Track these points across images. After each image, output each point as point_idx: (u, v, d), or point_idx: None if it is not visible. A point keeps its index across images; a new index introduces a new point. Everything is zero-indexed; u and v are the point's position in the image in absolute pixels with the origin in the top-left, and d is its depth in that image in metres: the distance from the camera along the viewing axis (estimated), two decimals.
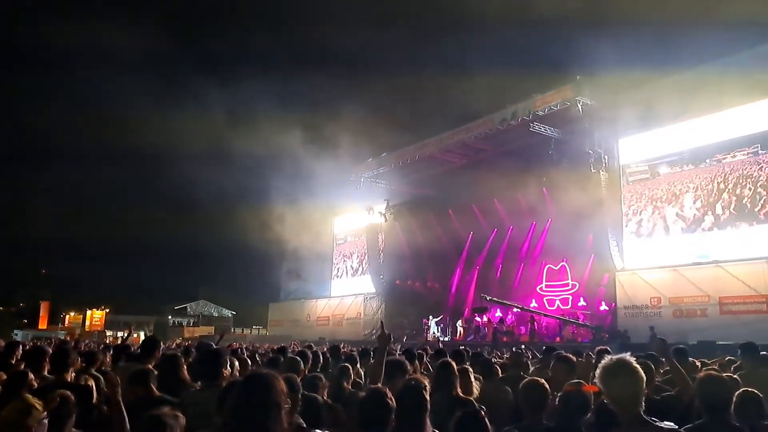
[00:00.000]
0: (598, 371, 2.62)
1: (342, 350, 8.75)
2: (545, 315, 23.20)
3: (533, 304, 25.51)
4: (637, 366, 2.56)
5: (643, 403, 2.53)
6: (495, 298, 23.08)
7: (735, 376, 4.38)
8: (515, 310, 24.34)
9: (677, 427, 2.65)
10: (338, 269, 35.90)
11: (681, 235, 19.58)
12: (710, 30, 19.44)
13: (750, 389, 3.49)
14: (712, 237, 18.70)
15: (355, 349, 12.01)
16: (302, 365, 5.07)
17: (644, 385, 2.55)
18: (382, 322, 4.72)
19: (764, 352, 5.93)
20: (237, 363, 5.36)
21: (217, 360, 4.06)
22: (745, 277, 17.53)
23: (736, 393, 3.44)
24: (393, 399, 2.80)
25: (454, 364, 4.48)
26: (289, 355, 6.07)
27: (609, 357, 2.65)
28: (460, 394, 4.23)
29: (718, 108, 18.60)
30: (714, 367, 5.90)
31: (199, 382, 4.20)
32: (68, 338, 34.72)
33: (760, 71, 17.54)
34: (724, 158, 18.80)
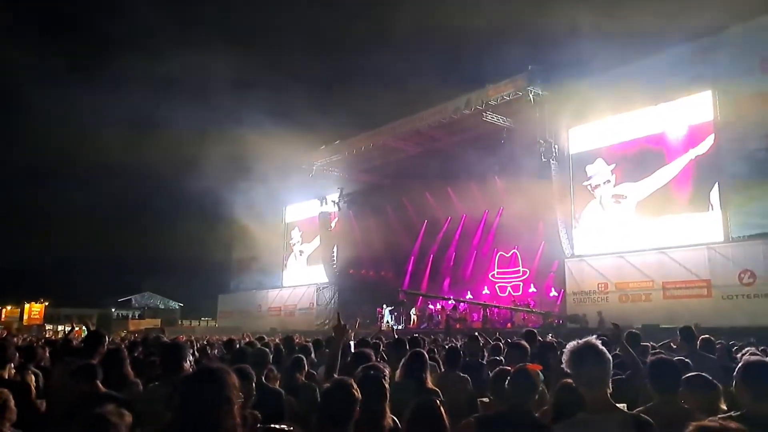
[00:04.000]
0: (565, 355, 2.65)
1: (296, 341, 8.54)
2: (464, 301, 23.97)
3: (485, 291, 25.97)
4: (604, 348, 2.60)
5: (610, 385, 2.57)
6: (413, 291, 23.43)
7: (686, 360, 4.48)
8: (450, 302, 24.79)
9: (625, 409, 2.74)
10: (290, 259, 35.41)
11: (627, 222, 20.14)
12: (653, 23, 19.93)
13: (700, 373, 3.62)
14: (656, 224, 19.31)
15: (309, 339, 11.80)
16: (270, 357, 4.92)
17: (611, 366, 2.59)
18: (338, 313, 4.63)
19: (706, 335, 6.13)
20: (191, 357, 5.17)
21: (177, 353, 3.88)
22: (687, 262, 18.23)
23: (686, 376, 3.55)
24: (358, 390, 2.76)
25: (426, 354, 4.49)
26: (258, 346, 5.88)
27: (576, 341, 2.69)
28: (429, 384, 4.24)
29: (663, 99, 19.21)
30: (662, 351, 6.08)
31: (157, 379, 4.04)
32: (5, 333, 33.04)
33: (701, 64, 18.27)
34: (672, 141, 19.39)
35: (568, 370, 2.65)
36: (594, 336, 2.74)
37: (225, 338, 11.28)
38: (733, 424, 2.04)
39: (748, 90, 17.54)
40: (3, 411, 2.97)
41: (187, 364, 3.82)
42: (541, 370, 3.34)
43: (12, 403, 3.06)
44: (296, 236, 35.19)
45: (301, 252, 34.80)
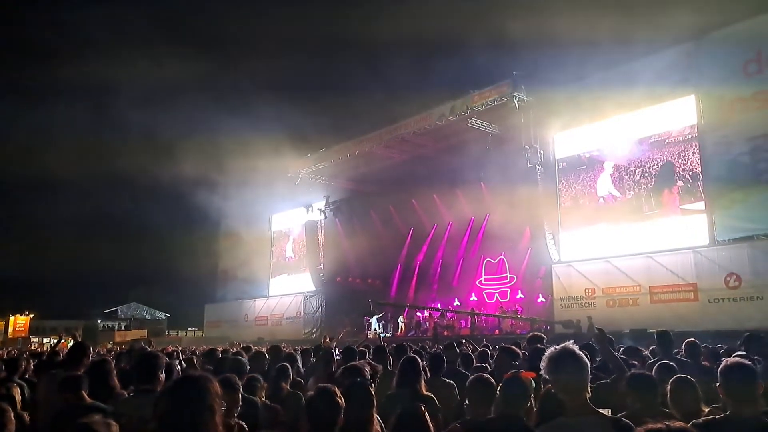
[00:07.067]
0: (543, 361, 2.69)
1: (283, 351, 8.46)
2: (437, 310, 24.00)
3: (473, 297, 25.94)
4: (582, 354, 2.64)
5: (589, 389, 2.61)
6: (384, 302, 23.47)
7: (672, 364, 4.53)
8: (426, 312, 24.83)
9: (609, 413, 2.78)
10: (276, 267, 35.16)
11: (613, 226, 20.21)
12: (636, 29, 20.11)
13: (685, 376, 3.72)
14: (643, 228, 19.40)
15: (298, 347, 11.73)
16: (247, 367, 4.94)
17: (589, 372, 2.64)
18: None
19: (691, 339, 6.09)
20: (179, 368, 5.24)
21: (153, 363, 3.84)
22: (674, 266, 18.32)
23: (671, 379, 3.67)
24: (342, 397, 2.81)
25: (419, 360, 4.48)
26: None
27: (553, 347, 2.74)
28: (424, 392, 4.22)
29: (651, 102, 19.32)
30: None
31: (131, 388, 4.04)
32: None
33: (685, 69, 18.46)
34: (657, 146, 19.51)
35: (547, 376, 2.69)
36: (571, 341, 2.77)
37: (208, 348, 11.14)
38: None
39: (732, 94, 17.69)
40: (2, 424, 3.02)
41: (162, 375, 3.75)
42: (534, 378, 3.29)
43: (11, 414, 3.06)
44: (282, 245, 34.99)
45: (287, 260, 34.58)
